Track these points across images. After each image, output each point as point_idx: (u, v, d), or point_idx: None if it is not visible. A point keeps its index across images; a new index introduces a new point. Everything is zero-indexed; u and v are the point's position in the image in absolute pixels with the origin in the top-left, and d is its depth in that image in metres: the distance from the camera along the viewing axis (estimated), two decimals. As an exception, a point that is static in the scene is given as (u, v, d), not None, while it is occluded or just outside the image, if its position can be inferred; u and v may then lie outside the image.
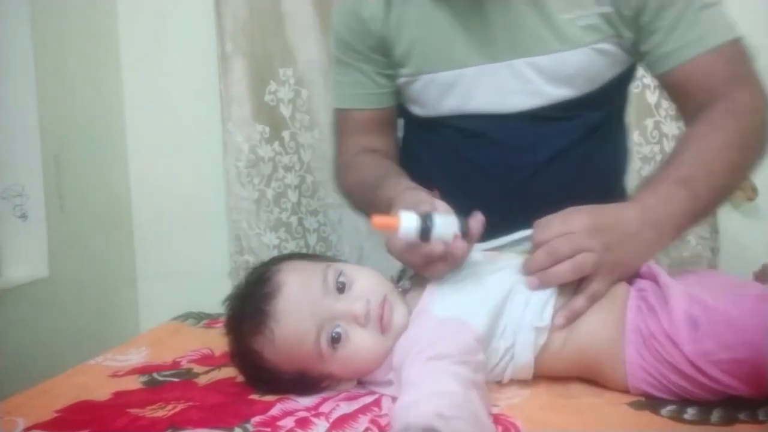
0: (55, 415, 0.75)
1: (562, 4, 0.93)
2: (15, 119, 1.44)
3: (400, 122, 1.16)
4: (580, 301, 0.79)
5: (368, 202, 0.98)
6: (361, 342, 0.77)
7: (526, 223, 0.87)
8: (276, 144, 1.71)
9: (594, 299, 0.79)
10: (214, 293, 1.68)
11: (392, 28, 1.02)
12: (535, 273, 0.80)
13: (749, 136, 0.90)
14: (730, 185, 0.91)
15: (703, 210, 0.87)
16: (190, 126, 1.79)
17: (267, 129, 1.71)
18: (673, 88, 0.97)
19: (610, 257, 0.80)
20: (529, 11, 0.95)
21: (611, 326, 0.78)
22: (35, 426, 0.72)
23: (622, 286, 0.82)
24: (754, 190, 1.62)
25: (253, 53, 1.70)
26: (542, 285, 0.80)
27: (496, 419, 0.70)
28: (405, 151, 1.15)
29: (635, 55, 0.98)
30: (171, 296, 1.68)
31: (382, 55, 1.05)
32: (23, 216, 1.45)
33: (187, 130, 1.80)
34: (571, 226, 0.80)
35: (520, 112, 0.99)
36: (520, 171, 1.01)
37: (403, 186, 0.90)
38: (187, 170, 1.80)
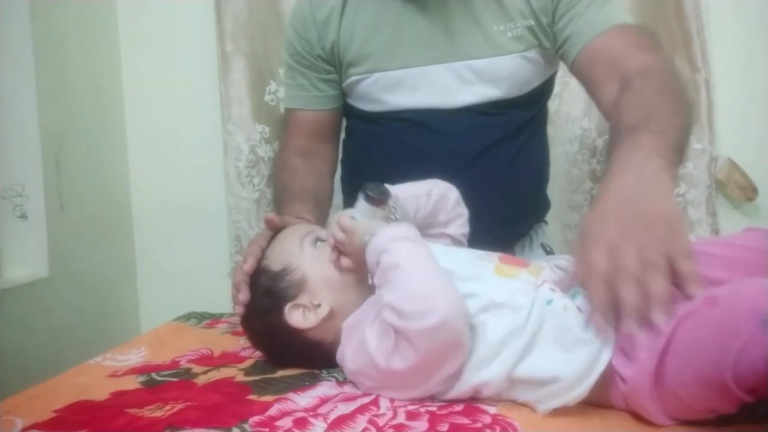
0: (54, 415, 0.75)
1: (494, 17, 1.10)
2: (15, 119, 1.44)
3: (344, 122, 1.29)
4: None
5: (278, 207, 1.15)
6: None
7: (470, 206, 0.98)
8: (276, 144, 1.71)
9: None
10: (214, 293, 1.72)
11: (346, 31, 1.15)
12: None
13: (672, 83, 0.95)
14: (684, 122, 0.89)
15: (676, 146, 0.83)
16: (190, 126, 1.79)
17: (267, 129, 1.71)
18: (586, 71, 1.07)
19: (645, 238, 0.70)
20: (467, 21, 1.10)
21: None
22: (34, 426, 0.72)
23: None
24: (754, 190, 1.62)
25: (253, 53, 1.70)
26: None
27: (494, 420, 0.70)
28: (351, 140, 1.27)
29: (554, 61, 1.16)
30: (171, 296, 1.69)
31: (327, 62, 1.19)
32: (23, 216, 1.45)
33: (187, 130, 1.80)
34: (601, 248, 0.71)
35: (458, 108, 1.12)
36: (459, 156, 1.12)
37: (296, 215, 1.06)
38: (187, 170, 1.80)
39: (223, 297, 1.71)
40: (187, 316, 1.25)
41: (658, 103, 0.89)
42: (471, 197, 0.98)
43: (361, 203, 0.85)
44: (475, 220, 0.98)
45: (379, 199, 0.85)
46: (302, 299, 0.84)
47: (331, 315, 0.83)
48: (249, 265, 0.88)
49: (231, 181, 1.72)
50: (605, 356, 0.70)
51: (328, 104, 1.23)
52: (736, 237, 0.84)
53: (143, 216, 1.83)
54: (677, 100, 0.92)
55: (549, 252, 1.24)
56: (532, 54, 1.12)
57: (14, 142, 1.44)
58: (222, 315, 1.27)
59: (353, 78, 1.17)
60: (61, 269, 1.50)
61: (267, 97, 1.71)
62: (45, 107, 1.47)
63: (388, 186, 0.88)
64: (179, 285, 1.77)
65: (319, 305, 0.83)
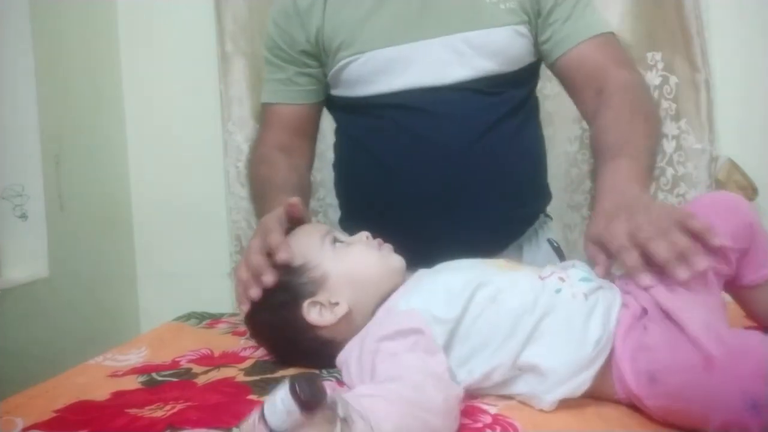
0: (54, 415, 0.75)
1: None
2: (15, 119, 1.44)
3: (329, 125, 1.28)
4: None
5: (262, 200, 1.11)
6: (358, 246, 0.88)
7: (472, 192, 1.00)
8: (276, 144, 1.71)
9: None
10: (214, 293, 1.72)
11: (332, 14, 1.14)
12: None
13: (645, 105, 1.05)
14: (653, 146, 1.01)
15: (647, 169, 0.95)
16: (190, 126, 1.79)
17: (267, 129, 1.71)
18: (567, 74, 1.12)
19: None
20: None
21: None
22: (34, 426, 0.72)
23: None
24: (755, 190, 1.62)
25: (253, 53, 1.70)
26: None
27: (495, 420, 0.70)
28: (343, 138, 1.25)
29: (537, 48, 1.15)
30: (171, 296, 1.69)
31: (310, 54, 1.17)
32: (23, 216, 1.46)
33: (187, 130, 1.80)
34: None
35: (454, 84, 1.10)
36: (458, 139, 1.09)
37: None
38: (187, 170, 1.80)
39: (223, 297, 1.73)
40: (187, 316, 1.24)
41: (633, 126, 0.99)
42: (474, 180, 0.99)
43: (282, 400, 0.54)
44: (478, 205, 0.99)
45: (311, 402, 0.53)
46: (320, 297, 0.84)
47: (348, 314, 0.83)
48: (284, 255, 0.84)
49: (231, 181, 1.72)
50: (607, 346, 0.72)
51: (308, 98, 1.21)
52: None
53: (143, 216, 1.83)
54: (649, 121, 1.02)
55: (556, 247, 1.23)
56: (523, 29, 1.12)
57: (14, 142, 1.45)
58: (222, 315, 1.27)
59: (342, 62, 1.14)
60: (61, 269, 1.50)
61: (267, 97, 1.71)
62: (45, 107, 1.47)
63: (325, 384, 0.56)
64: (179, 285, 1.77)
65: (337, 304, 0.83)
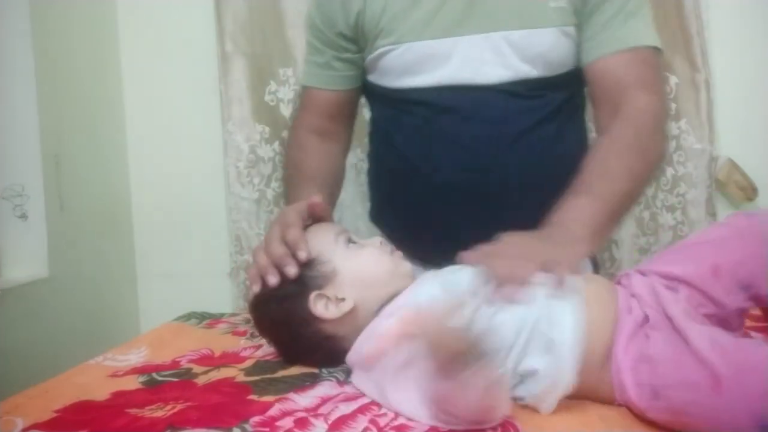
0: (54, 415, 0.75)
1: None
2: (15, 119, 1.44)
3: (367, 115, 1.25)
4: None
5: (290, 186, 1.14)
6: (370, 248, 0.88)
7: (503, 198, 0.97)
8: (276, 144, 1.71)
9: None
10: (214, 293, 1.72)
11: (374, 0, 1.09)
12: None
13: (645, 140, 1.00)
14: (633, 189, 0.98)
15: (612, 213, 0.93)
16: (190, 126, 1.79)
17: (267, 129, 1.71)
18: (595, 79, 1.06)
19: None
20: None
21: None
22: (34, 426, 0.72)
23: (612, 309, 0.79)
24: (755, 190, 1.62)
25: (253, 53, 1.70)
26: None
27: (495, 419, 0.70)
28: (376, 132, 1.22)
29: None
30: (171, 296, 1.69)
31: (348, 38, 1.13)
32: (23, 216, 1.46)
33: (187, 130, 1.80)
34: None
35: (492, 84, 1.06)
36: (492, 143, 1.06)
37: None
38: (187, 170, 1.80)
39: (223, 297, 1.73)
40: (188, 316, 1.24)
41: (620, 163, 0.96)
42: (504, 187, 0.97)
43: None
44: (507, 212, 0.96)
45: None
46: (328, 291, 0.85)
47: (352, 311, 0.84)
48: (303, 254, 0.86)
49: (231, 181, 1.72)
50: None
51: (345, 84, 1.18)
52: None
53: (143, 216, 1.83)
54: (644, 158, 0.99)
55: (591, 257, 1.16)
56: (571, 30, 1.06)
57: (14, 142, 1.44)
58: (222, 315, 1.27)
59: (380, 50, 1.09)
60: (61, 269, 1.50)
61: (267, 97, 1.71)
62: (45, 107, 1.47)
63: None
64: (179, 285, 1.77)
65: (343, 300, 0.84)
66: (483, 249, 0.82)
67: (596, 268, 1.18)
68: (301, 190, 1.06)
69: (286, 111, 1.71)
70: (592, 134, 1.20)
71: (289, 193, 1.13)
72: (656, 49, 1.06)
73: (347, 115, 1.23)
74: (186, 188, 1.80)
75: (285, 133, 1.71)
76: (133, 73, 1.81)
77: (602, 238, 0.93)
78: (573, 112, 1.13)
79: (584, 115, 1.17)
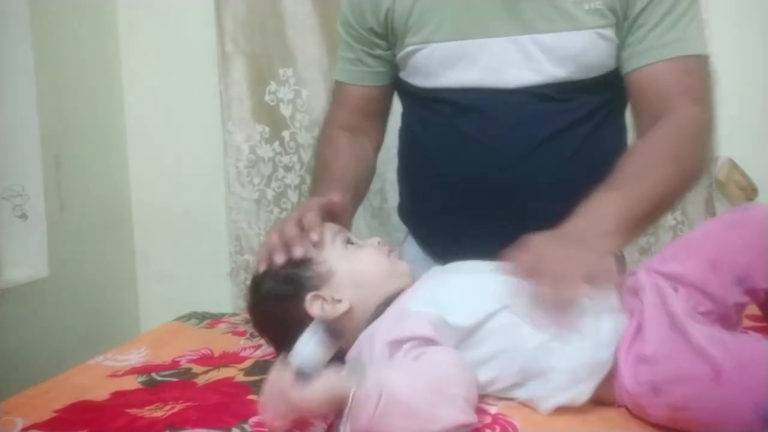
0: (54, 415, 0.75)
1: None
2: (15, 119, 1.44)
3: (398, 107, 1.22)
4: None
5: (316, 181, 1.13)
6: (368, 249, 0.88)
7: (529, 199, 0.94)
8: (276, 144, 1.71)
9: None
10: (214, 293, 1.71)
11: None
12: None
13: (686, 151, 0.96)
14: (665, 194, 0.94)
15: (641, 213, 0.90)
16: (190, 126, 1.79)
17: (267, 129, 1.71)
18: (633, 91, 1.02)
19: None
20: None
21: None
22: (34, 426, 0.72)
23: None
24: (755, 190, 1.62)
25: (253, 53, 1.70)
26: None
27: (495, 420, 0.70)
28: (404, 129, 1.21)
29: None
30: (171, 296, 1.69)
31: (379, 35, 1.12)
32: (23, 216, 1.46)
33: (187, 130, 1.80)
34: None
35: (517, 88, 1.03)
36: (517, 145, 1.04)
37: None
38: (186, 170, 1.80)
39: (223, 297, 1.73)
40: (188, 316, 1.24)
41: (657, 169, 0.93)
42: (530, 189, 0.95)
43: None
44: (533, 215, 0.92)
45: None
46: (324, 292, 0.84)
47: (348, 312, 0.84)
48: (315, 237, 0.86)
49: (231, 181, 1.72)
50: (607, 356, 0.72)
51: (376, 80, 1.17)
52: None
53: (143, 216, 1.83)
54: (682, 170, 0.95)
55: (619, 255, 1.14)
56: (609, 32, 1.01)
57: (14, 142, 1.45)
58: (222, 315, 1.27)
59: (409, 48, 1.09)
60: (61, 269, 1.50)
61: (267, 97, 1.71)
62: (45, 107, 1.47)
63: None
64: (179, 285, 1.77)
65: (339, 301, 0.84)
66: (524, 261, 0.78)
67: (621, 264, 1.16)
68: (327, 190, 1.04)
69: (286, 111, 1.71)
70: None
71: (314, 188, 1.13)
72: (705, 57, 1.01)
73: (379, 111, 1.22)
74: (186, 188, 1.80)
75: (285, 133, 1.72)
76: (133, 73, 1.81)
77: (630, 235, 0.90)
78: (612, 114, 1.09)
79: (624, 118, 1.13)
